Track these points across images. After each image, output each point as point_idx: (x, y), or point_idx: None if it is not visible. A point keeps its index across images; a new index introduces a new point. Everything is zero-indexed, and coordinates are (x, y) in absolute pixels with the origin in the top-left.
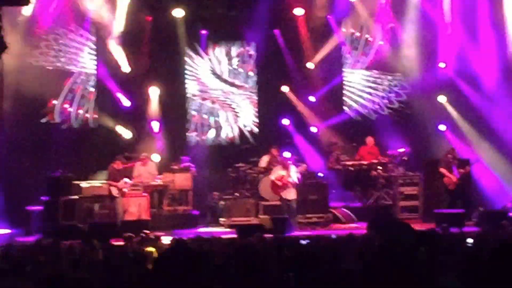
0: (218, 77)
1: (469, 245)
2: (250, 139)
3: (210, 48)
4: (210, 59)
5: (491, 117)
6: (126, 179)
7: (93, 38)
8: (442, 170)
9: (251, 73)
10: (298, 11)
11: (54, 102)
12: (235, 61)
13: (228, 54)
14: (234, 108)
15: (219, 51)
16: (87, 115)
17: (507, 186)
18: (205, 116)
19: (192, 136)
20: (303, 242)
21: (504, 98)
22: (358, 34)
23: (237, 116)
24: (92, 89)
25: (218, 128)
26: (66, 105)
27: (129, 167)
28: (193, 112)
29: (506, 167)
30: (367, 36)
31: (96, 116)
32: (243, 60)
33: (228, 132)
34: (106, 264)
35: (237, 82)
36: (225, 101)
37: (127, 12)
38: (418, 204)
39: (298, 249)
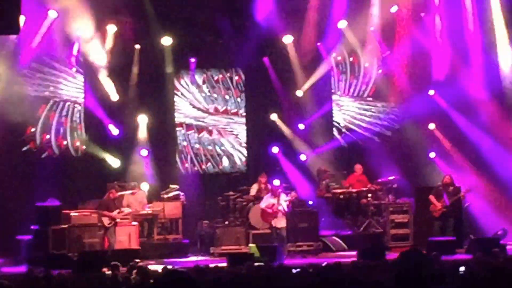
0: (207, 103)
1: (461, 273)
2: (240, 167)
3: (199, 75)
4: (199, 87)
5: (482, 144)
6: (126, 208)
7: (81, 67)
8: (431, 197)
9: (240, 100)
10: (287, 39)
11: (32, 130)
12: (224, 89)
13: (217, 82)
14: (235, 134)
15: (208, 79)
16: (77, 143)
17: (498, 213)
18: (196, 145)
19: (186, 166)
20: (294, 271)
21: (497, 124)
22: (348, 61)
23: (239, 141)
24: (77, 117)
25: (220, 156)
26: (46, 135)
27: (120, 196)
28: (186, 141)
29: (496, 195)
30: (357, 63)
31: (84, 145)
32: (232, 88)
33: (237, 158)
34: None
35: (226, 109)
36: (223, 128)
37: (115, 40)
38: (409, 231)
39: (288, 278)
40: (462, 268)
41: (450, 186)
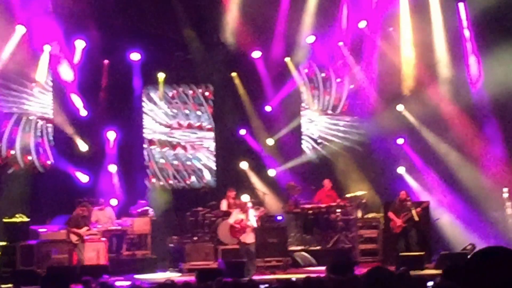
0: (175, 119)
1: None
2: (209, 182)
3: (168, 90)
4: (168, 102)
5: (450, 159)
6: (98, 225)
7: (50, 82)
8: (389, 214)
9: (209, 115)
10: (256, 54)
11: None
12: (194, 104)
13: (186, 97)
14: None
15: (177, 94)
16: (44, 159)
17: (467, 229)
18: (165, 161)
19: (154, 181)
20: (262, 286)
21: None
22: (319, 76)
23: (209, 156)
24: (45, 133)
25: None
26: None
27: (88, 212)
28: (154, 157)
29: (465, 210)
30: (328, 78)
31: (52, 160)
32: (200, 103)
33: (206, 173)
34: None
35: (194, 123)
36: (186, 144)
37: (83, 55)
38: (377, 246)
39: None
40: (430, 283)
41: (407, 201)
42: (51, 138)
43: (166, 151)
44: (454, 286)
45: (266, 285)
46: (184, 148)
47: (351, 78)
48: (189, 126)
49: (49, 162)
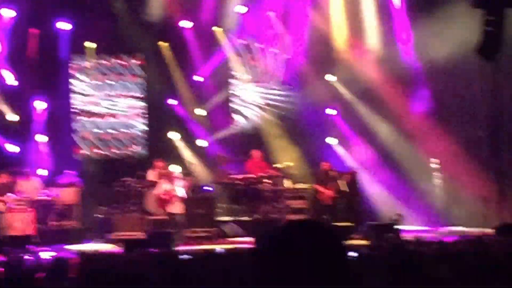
0: (105, 89)
1: (353, 258)
2: (139, 152)
3: (96, 60)
4: (96, 71)
5: (379, 129)
6: (11, 194)
7: None
8: (316, 186)
9: (138, 86)
10: (185, 23)
11: None
12: (123, 74)
13: (115, 67)
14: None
15: (106, 64)
16: None
17: (394, 199)
18: (94, 131)
19: (82, 151)
20: (183, 257)
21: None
22: (246, 45)
23: (134, 127)
24: None
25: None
26: None
27: (13, 182)
28: (83, 127)
29: (395, 181)
30: (256, 47)
31: None
32: (130, 73)
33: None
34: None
35: (124, 93)
36: (115, 114)
37: (12, 25)
38: (305, 217)
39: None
40: (354, 254)
41: (330, 172)
42: None
43: (94, 121)
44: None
45: (188, 256)
46: (114, 116)
47: (282, 47)
48: (119, 96)
49: None
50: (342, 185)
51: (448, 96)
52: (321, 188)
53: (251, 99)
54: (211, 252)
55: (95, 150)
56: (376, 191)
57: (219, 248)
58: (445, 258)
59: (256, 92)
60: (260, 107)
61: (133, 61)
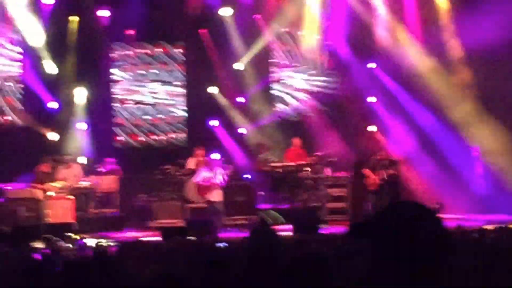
0: (145, 77)
1: None
2: (179, 140)
3: (136, 48)
4: (137, 59)
5: (421, 118)
6: (59, 182)
7: (18, 41)
8: (365, 171)
9: (179, 74)
10: (225, 11)
11: None
12: (163, 62)
13: (155, 55)
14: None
15: (146, 51)
16: (12, 117)
17: (436, 187)
18: (134, 118)
19: (123, 139)
20: (220, 245)
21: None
22: (292, 33)
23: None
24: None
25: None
26: None
27: (53, 170)
28: (123, 115)
29: (435, 169)
30: (298, 35)
31: (21, 118)
32: (171, 61)
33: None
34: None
35: (164, 81)
36: (156, 102)
37: (52, 13)
38: (345, 205)
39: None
40: None
41: (386, 161)
42: (19, 96)
43: (134, 109)
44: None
45: (225, 244)
46: (154, 105)
47: (323, 34)
48: (159, 84)
49: (17, 120)
50: (389, 174)
51: (491, 84)
52: (369, 173)
53: (292, 87)
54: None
55: (135, 138)
56: (417, 179)
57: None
58: (483, 246)
59: (297, 79)
60: (302, 94)
61: (174, 49)
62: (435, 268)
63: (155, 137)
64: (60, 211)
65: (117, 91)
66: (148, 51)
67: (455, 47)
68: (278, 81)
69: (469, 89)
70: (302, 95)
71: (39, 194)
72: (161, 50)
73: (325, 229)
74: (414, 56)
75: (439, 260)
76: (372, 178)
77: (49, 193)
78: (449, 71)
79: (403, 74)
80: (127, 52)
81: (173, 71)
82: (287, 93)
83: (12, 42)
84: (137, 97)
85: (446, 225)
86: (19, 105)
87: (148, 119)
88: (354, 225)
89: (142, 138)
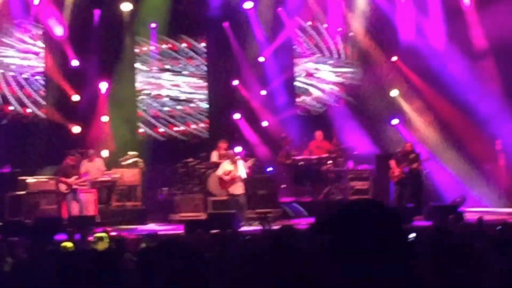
0: (168, 70)
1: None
2: (202, 133)
3: (159, 41)
4: (160, 53)
5: (443, 111)
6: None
7: (41, 33)
8: (391, 162)
9: (201, 68)
10: (248, 4)
11: None
12: (185, 55)
13: (179, 49)
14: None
15: (169, 46)
16: (35, 110)
17: (459, 181)
18: (156, 111)
19: (146, 132)
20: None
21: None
22: (310, 26)
23: (198, 108)
24: (37, 85)
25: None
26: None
27: (78, 163)
28: (145, 107)
29: (456, 161)
30: (320, 27)
31: (44, 111)
32: (194, 55)
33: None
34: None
35: (187, 74)
36: (178, 95)
37: (74, 5)
38: (368, 198)
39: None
40: (412, 235)
41: (411, 154)
42: (42, 89)
43: (158, 102)
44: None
45: (248, 236)
46: (177, 98)
47: (346, 27)
48: (182, 76)
49: (40, 113)
50: (411, 166)
51: None
52: (393, 165)
53: (316, 78)
54: (266, 231)
55: (156, 130)
56: (440, 173)
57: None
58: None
59: (321, 70)
60: (326, 86)
61: (196, 43)
62: (391, 268)
63: (176, 128)
64: (82, 204)
65: (139, 84)
66: (172, 45)
67: (479, 39)
68: (302, 73)
69: (493, 81)
70: (326, 87)
71: (61, 186)
72: (184, 43)
73: None
74: (438, 49)
75: (395, 261)
76: (396, 170)
77: (74, 186)
78: (473, 63)
79: (426, 66)
80: (151, 46)
81: (196, 65)
82: (311, 85)
83: (33, 37)
84: (160, 91)
85: (405, 227)
86: (41, 99)
87: (168, 110)
88: (318, 219)
89: (163, 129)
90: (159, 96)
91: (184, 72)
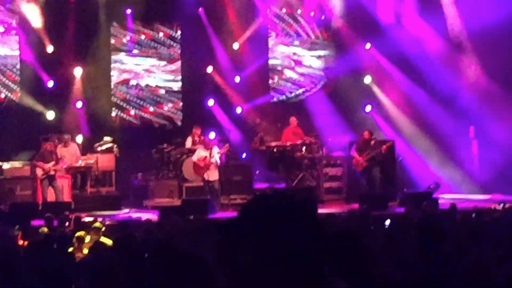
0: (142, 56)
1: (386, 226)
2: (175, 119)
3: (134, 27)
4: (135, 38)
5: (417, 99)
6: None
7: (16, 19)
8: (352, 152)
9: (175, 52)
10: None
11: None
12: (159, 40)
13: (152, 33)
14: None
15: (143, 30)
16: (9, 95)
17: (432, 167)
18: (130, 95)
19: (120, 117)
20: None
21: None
22: (285, 12)
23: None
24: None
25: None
26: None
27: (55, 149)
28: (119, 94)
29: (430, 148)
30: (295, 14)
31: (18, 96)
32: (167, 40)
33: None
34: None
35: (161, 61)
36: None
37: None
38: (342, 185)
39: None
40: (387, 222)
41: (371, 141)
42: (17, 75)
43: (132, 88)
44: None
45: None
46: (150, 84)
47: (321, 11)
48: (156, 63)
49: (14, 98)
50: (372, 153)
51: (495, 65)
52: (356, 155)
53: (288, 66)
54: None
55: (134, 117)
56: (414, 159)
57: None
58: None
59: (293, 59)
60: (300, 70)
61: (171, 29)
62: (307, 262)
63: (151, 115)
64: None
65: (114, 69)
66: (146, 31)
67: (456, 29)
68: (277, 56)
69: (470, 69)
70: (301, 70)
71: (38, 171)
72: (159, 30)
73: (322, 208)
74: (414, 36)
75: (312, 254)
76: (359, 159)
77: (51, 172)
78: (450, 53)
79: (401, 54)
80: (125, 32)
81: (170, 51)
82: (287, 67)
83: (8, 21)
84: (134, 76)
85: (319, 219)
86: (15, 84)
87: (145, 98)
88: (223, 225)
89: (139, 115)
90: (134, 83)
91: (158, 58)
